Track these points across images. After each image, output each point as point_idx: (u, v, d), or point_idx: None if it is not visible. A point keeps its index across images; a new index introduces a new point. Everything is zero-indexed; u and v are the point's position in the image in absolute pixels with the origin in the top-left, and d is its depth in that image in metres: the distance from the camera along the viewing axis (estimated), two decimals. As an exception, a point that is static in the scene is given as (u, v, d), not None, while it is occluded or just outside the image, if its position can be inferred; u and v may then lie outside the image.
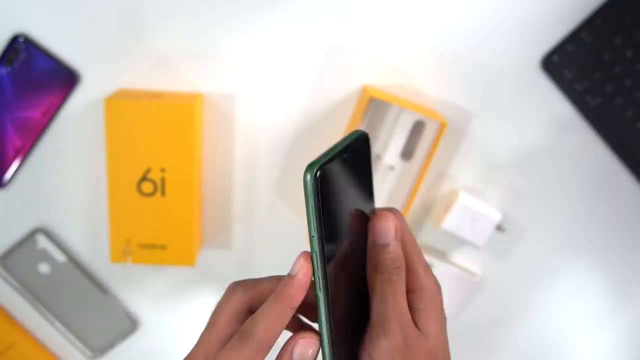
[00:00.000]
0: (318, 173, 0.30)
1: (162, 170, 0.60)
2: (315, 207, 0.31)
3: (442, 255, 0.69)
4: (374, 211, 0.36)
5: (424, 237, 0.69)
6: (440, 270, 0.67)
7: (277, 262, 0.69)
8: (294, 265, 0.34)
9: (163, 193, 0.60)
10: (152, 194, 0.60)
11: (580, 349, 0.74)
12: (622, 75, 0.63)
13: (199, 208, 0.65)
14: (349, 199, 0.33)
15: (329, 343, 0.33)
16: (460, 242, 0.67)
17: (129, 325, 0.70)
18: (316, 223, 0.31)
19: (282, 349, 0.34)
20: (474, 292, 0.70)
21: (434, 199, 0.68)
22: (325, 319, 0.33)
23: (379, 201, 0.63)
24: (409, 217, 0.66)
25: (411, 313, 0.34)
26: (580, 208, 0.68)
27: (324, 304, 0.33)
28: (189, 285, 0.70)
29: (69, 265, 0.67)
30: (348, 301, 0.35)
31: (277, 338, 0.33)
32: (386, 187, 0.63)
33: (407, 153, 0.63)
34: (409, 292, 0.35)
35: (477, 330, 0.73)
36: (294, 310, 0.33)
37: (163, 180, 0.60)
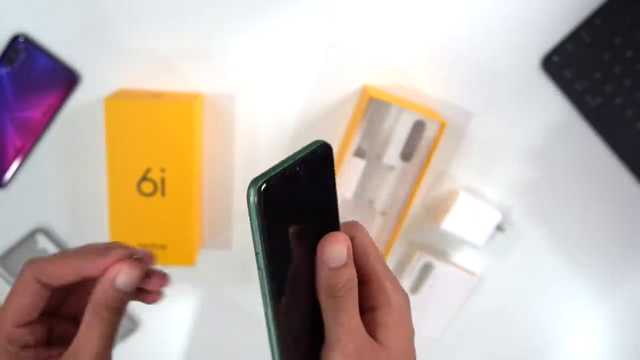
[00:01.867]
0: (262, 188, 0.29)
1: (162, 170, 0.60)
2: (259, 224, 0.30)
3: (442, 255, 0.69)
4: (337, 227, 0.34)
5: (424, 237, 0.69)
6: (440, 270, 0.67)
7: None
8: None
9: (163, 193, 0.60)
10: (152, 194, 0.60)
11: (581, 348, 0.74)
12: (622, 75, 0.63)
13: (199, 208, 0.65)
14: (302, 215, 0.32)
15: None
16: (460, 242, 0.67)
17: (129, 325, 0.70)
18: (261, 240, 0.30)
19: (103, 279, 0.35)
20: (474, 292, 0.70)
21: (434, 199, 0.68)
22: (276, 342, 0.33)
23: (382, 200, 0.63)
24: (409, 217, 0.66)
25: (374, 328, 0.34)
26: (580, 208, 0.68)
27: (273, 324, 0.32)
28: (189, 285, 0.70)
29: (69, 265, 0.67)
30: (301, 321, 0.34)
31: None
32: (386, 187, 0.63)
33: (407, 153, 0.63)
34: (375, 307, 0.34)
35: (477, 330, 0.73)
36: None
37: (163, 180, 0.60)
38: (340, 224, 0.35)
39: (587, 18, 0.62)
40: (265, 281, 0.32)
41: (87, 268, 0.36)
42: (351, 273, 0.33)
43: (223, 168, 0.66)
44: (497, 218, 0.66)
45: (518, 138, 0.66)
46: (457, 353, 0.74)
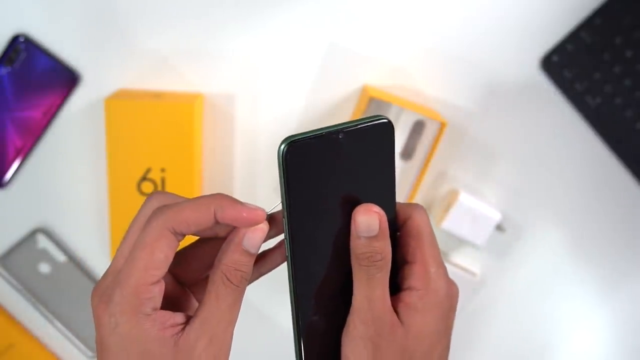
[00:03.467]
0: (290, 144, 0.31)
1: (162, 170, 0.60)
2: (283, 178, 0.32)
3: (442, 255, 0.69)
4: (391, 202, 0.35)
5: (424, 237, 0.69)
6: (440, 270, 0.67)
7: (277, 262, 0.69)
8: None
9: (163, 193, 0.60)
10: (152, 194, 0.60)
11: (581, 348, 0.74)
12: (622, 75, 0.63)
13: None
14: (342, 182, 0.33)
15: (296, 322, 0.35)
16: (460, 242, 0.67)
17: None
18: (283, 194, 0.32)
19: (231, 243, 0.34)
20: (474, 292, 0.70)
21: (434, 199, 0.68)
22: (293, 292, 0.34)
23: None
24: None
25: (403, 307, 0.34)
26: (580, 208, 0.68)
27: (291, 273, 0.34)
28: (189, 285, 0.70)
29: (69, 265, 0.68)
30: (334, 283, 0.35)
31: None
32: (386, 187, 0.63)
33: (407, 153, 0.63)
34: (412, 288, 0.35)
35: (477, 330, 0.73)
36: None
37: (163, 180, 0.60)
38: (400, 203, 0.36)
39: (587, 18, 0.62)
40: (286, 236, 0.33)
41: (227, 212, 0.33)
42: (381, 246, 0.34)
43: (223, 168, 0.66)
44: (497, 218, 0.66)
45: (518, 138, 0.66)
46: (457, 353, 0.74)
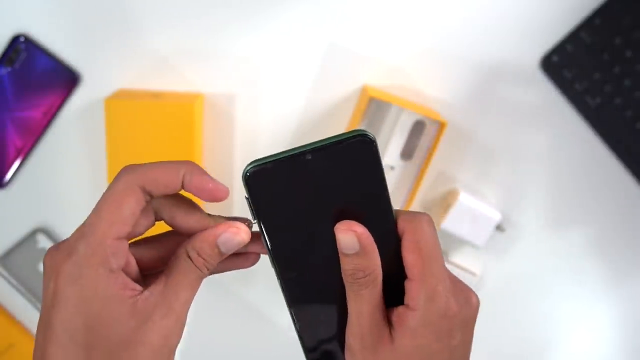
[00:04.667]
0: (248, 171, 0.32)
1: (162, 170, 0.60)
2: (249, 202, 0.33)
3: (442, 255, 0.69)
4: (387, 215, 0.34)
5: (424, 237, 0.69)
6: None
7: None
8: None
9: (163, 193, 0.60)
10: (152, 194, 0.60)
11: (581, 348, 0.74)
12: (622, 75, 0.63)
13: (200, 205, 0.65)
14: (321, 202, 0.33)
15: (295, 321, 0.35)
16: (460, 242, 0.67)
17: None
18: (255, 218, 0.33)
19: (207, 231, 0.34)
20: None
21: (434, 199, 0.68)
22: (290, 313, 0.35)
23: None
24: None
25: (396, 323, 0.34)
26: (580, 208, 0.68)
27: (286, 300, 0.35)
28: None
29: (69, 265, 0.67)
30: (329, 300, 0.35)
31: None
32: (386, 187, 0.63)
33: (407, 153, 0.63)
34: (407, 306, 0.34)
35: (477, 330, 0.72)
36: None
37: (163, 180, 0.60)
38: (402, 212, 0.35)
39: (587, 18, 0.62)
40: (271, 259, 0.34)
41: (194, 179, 0.33)
42: (364, 263, 0.33)
43: (223, 168, 0.66)
44: (497, 218, 0.66)
45: (518, 138, 0.66)
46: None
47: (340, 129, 0.65)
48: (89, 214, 0.34)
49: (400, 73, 0.64)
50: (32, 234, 0.67)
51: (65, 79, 0.62)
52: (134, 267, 0.34)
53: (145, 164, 0.33)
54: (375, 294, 0.34)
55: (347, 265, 0.33)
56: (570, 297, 0.72)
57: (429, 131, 0.62)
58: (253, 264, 0.37)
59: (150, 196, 0.33)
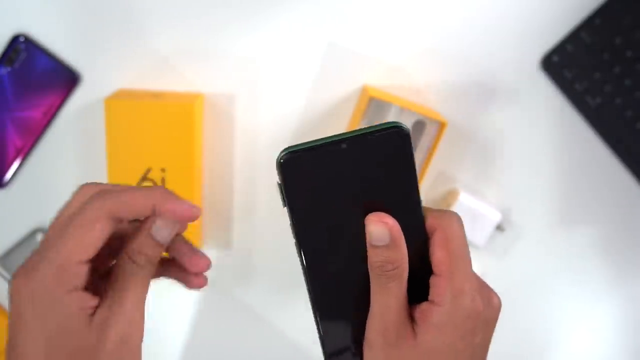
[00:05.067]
0: (283, 158, 0.32)
1: (163, 170, 0.60)
2: (281, 187, 0.32)
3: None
4: (416, 210, 0.34)
5: (424, 237, 0.69)
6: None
7: (277, 262, 0.69)
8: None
9: (163, 193, 0.60)
10: (152, 194, 0.60)
11: (580, 348, 0.74)
12: (622, 75, 0.63)
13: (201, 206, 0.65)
14: (352, 192, 0.33)
15: (314, 310, 0.35)
16: (460, 242, 0.67)
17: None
18: (285, 204, 0.33)
19: (141, 227, 0.34)
20: (474, 292, 0.70)
21: (434, 199, 0.68)
22: (312, 301, 0.35)
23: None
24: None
25: (420, 319, 0.34)
26: (580, 208, 0.68)
27: (308, 290, 0.35)
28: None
29: (69, 265, 0.67)
30: (352, 291, 0.35)
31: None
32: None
33: (407, 153, 0.62)
34: (433, 302, 0.34)
35: (477, 330, 0.73)
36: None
37: (163, 180, 0.60)
38: (433, 210, 0.35)
39: (587, 18, 0.62)
40: (297, 246, 0.34)
41: (168, 205, 0.34)
42: (393, 255, 0.33)
43: (223, 168, 0.66)
44: (497, 218, 0.66)
45: (518, 138, 0.66)
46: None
47: (341, 129, 0.65)
48: (50, 234, 0.34)
49: (400, 73, 0.64)
50: (32, 234, 0.67)
51: (65, 79, 0.62)
52: (89, 278, 0.35)
53: (116, 188, 0.35)
54: (402, 288, 0.34)
55: (375, 257, 0.33)
56: (571, 297, 0.72)
57: (429, 131, 0.62)
58: (197, 287, 0.39)
59: (120, 221, 0.34)
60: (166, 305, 0.71)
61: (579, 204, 0.68)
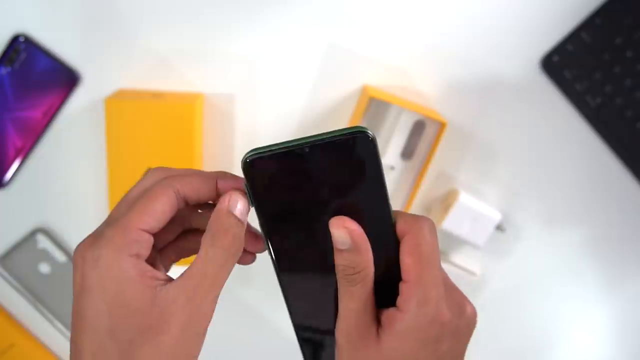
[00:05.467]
0: (246, 160, 0.32)
1: (162, 170, 0.60)
2: (246, 187, 0.33)
3: (442, 255, 0.69)
4: (386, 214, 0.34)
5: (424, 237, 0.69)
6: (440, 270, 0.68)
7: (277, 262, 0.69)
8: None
9: (163, 193, 0.60)
10: (152, 194, 0.60)
11: (579, 348, 0.74)
12: (622, 75, 0.63)
13: (199, 208, 0.66)
14: (318, 196, 0.33)
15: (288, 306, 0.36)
16: (460, 242, 0.67)
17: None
18: (250, 198, 0.33)
19: (216, 209, 0.34)
20: (474, 292, 0.70)
21: (434, 199, 0.68)
22: (287, 305, 0.36)
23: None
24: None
25: (385, 323, 0.34)
26: (580, 208, 0.68)
27: (282, 290, 0.35)
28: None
29: (69, 265, 0.67)
30: (323, 294, 0.35)
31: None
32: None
33: (407, 153, 0.63)
34: (398, 308, 0.34)
35: (477, 330, 0.73)
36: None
37: (163, 180, 0.60)
38: (404, 214, 0.35)
39: (587, 18, 0.62)
40: (267, 249, 0.35)
41: (228, 181, 0.34)
42: (356, 260, 0.33)
43: (223, 168, 0.66)
44: (497, 218, 0.66)
45: (518, 138, 0.66)
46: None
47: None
48: (115, 209, 0.34)
49: (400, 73, 0.64)
50: (32, 234, 0.67)
51: (65, 79, 0.62)
52: (154, 258, 0.35)
53: (182, 171, 0.35)
54: (365, 292, 0.34)
55: (339, 261, 0.33)
56: (570, 297, 0.72)
57: (429, 131, 0.62)
58: (249, 262, 0.38)
59: (184, 202, 0.34)
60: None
61: (578, 204, 0.68)
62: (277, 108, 0.65)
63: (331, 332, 0.36)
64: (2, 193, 0.65)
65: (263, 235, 0.34)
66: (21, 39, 0.61)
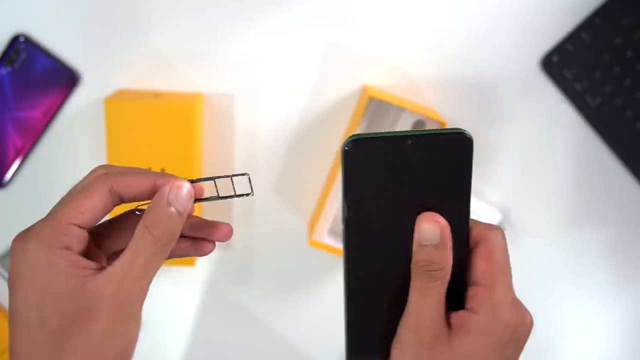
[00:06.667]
0: (348, 144, 0.32)
1: (163, 170, 0.60)
2: (343, 174, 0.33)
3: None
4: (464, 217, 0.35)
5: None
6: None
7: (277, 262, 0.69)
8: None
9: (163, 193, 0.60)
10: (152, 194, 0.60)
11: (579, 348, 0.74)
12: (622, 75, 0.63)
13: (199, 208, 0.65)
14: (408, 189, 0.33)
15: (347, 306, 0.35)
16: (460, 242, 0.67)
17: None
18: (343, 189, 0.33)
19: (155, 196, 0.34)
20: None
21: (434, 199, 0.68)
22: (347, 287, 0.35)
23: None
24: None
25: (457, 325, 0.34)
26: (580, 208, 0.68)
27: (346, 267, 0.35)
28: (189, 285, 0.70)
29: (69, 265, 0.67)
30: (388, 286, 0.35)
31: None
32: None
33: (407, 153, 0.62)
34: (472, 310, 0.34)
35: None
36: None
37: (163, 180, 0.60)
38: (480, 222, 0.35)
39: (587, 18, 0.62)
40: (344, 231, 0.34)
41: (161, 184, 0.34)
42: (441, 256, 0.33)
43: (223, 168, 0.66)
44: (497, 218, 0.66)
45: (518, 138, 0.66)
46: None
47: (340, 128, 0.65)
48: (59, 200, 0.35)
49: (401, 73, 0.64)
50: (32, 234, 0.67)
51: (65, 79, 0.62)
52: (95, 253, 0.35)
53: (122, 169, 0.35)
54: (442, 290, 0.34)
55: (421, 256, 0.33)
56: (571, 297, 0.71)
57: (429, 131, 0.62)
58: (209, 251, 0.38)
59: (120, 199, 0.34)
60: (166, 305, 0.71)
61: (578, 204, 0.68)
62: (277, 108, 0.65)
63: (388, 330, 0.35)
64: (2, 193, 0.65)
65: (343, 218, 0.34)
66: (21, 39, 0.61)
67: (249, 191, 0.35)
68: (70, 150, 0.65)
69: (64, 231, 0.32)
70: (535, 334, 0.76)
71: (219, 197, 0.36)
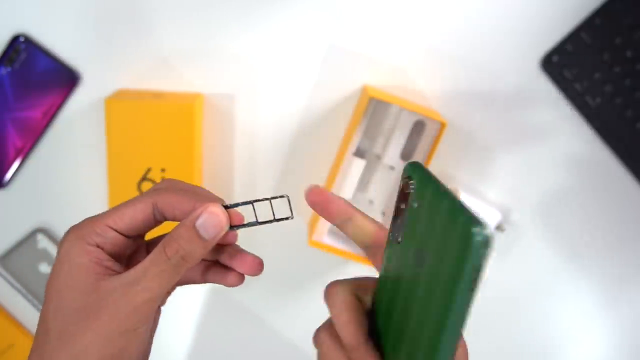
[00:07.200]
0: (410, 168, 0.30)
1: (163, 170, 0.60)
2: (399, 196, 0.32)
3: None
4: None
5: (424, 237, 0.69)
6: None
7: (277, 262, 0.69)
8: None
9: (163, 193, 0.60)
10: (152, 194, 0.60)
11: (579, 348, 0.74)
12: (622, 75, 0.63)
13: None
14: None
15: None
16: (460, 242, 0.67)
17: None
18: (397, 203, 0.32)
19: (186, 218, 0.34)
20: (474, 292, 0.70)
21: (434, 199, 0.68)
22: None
23: (382, 200, 0.63)
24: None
25: None
26: (580, 208, 0.68)
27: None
28: (189, 285, 0.70)
29: (69, 265, 0.68)
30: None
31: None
32: (386, 187, 0.63)
33: (407, 153, 0.62)
34: None
35: (477, 330, 0.72)
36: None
37: (163, 180, 0.60)
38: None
39: (587, 18, 0.62)
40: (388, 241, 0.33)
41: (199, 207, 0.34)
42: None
43: (223, 168, 0.66)
44: (497, 218, 0.66)
45: (518, 138, 0.66)
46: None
47: (340, 129, 0.65)
48: None
49: (400, 73, 0.64)
50: (32, 234, 0.67)
51: (65, 79, 0.62)
52: (134, 262, 0.35)
53: (182, 184, 0.36)
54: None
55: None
56: (570, 297, 0.71)
57: (429, 131, 0.62)
58: (237, 283, 0.38)
59: (163, 217, 0.36)
60: (166, 306, 0.71)
61: (578, 204, 0.68)
62: (277, 108, 0.65)
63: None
64: (2, 193, 0.65)
65: (391, 233, 0.32)
66: (21, 39, 0.61)
67: (289, 214, 0.34)
68: (70, 150, 0.65)
69: (100, 231, 0.34)
70: (535, 333, 0.76)
71: (257, 223, 0.35)
